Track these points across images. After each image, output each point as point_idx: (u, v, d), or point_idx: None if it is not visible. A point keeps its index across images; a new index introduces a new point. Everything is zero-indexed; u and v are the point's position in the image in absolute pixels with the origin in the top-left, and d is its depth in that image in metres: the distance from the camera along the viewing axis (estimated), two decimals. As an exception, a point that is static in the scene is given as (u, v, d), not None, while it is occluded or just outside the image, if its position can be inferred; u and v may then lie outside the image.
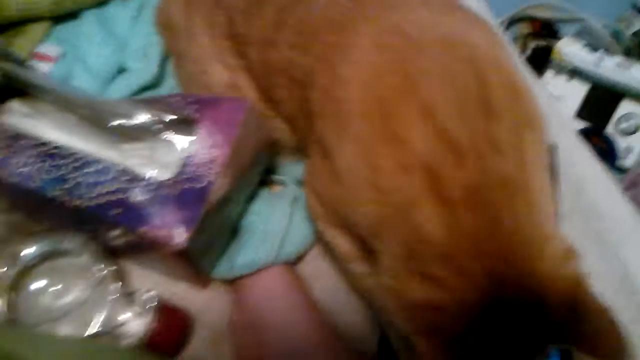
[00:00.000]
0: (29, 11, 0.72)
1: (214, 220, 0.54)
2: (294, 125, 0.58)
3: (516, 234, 0.39)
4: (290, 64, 0.53)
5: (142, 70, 0.73)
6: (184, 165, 0.53)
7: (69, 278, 0.57)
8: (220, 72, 0.61)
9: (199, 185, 0.52)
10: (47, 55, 0.73)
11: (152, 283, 0.62)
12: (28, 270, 0.56)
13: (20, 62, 0.60)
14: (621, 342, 0.38)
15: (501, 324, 0.38)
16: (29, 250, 0.56)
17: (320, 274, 0.63)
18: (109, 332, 0.55)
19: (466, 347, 0.38)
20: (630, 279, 0.59)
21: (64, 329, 0.55)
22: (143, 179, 0.52)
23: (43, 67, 0.71)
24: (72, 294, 0.56)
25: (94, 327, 0.55)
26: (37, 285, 0.56)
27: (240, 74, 0.61)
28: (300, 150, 0.61)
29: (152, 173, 0.54)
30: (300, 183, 0.66)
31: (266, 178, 0.66)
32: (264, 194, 0.64)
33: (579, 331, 0.39)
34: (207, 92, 0.63)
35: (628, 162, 0.99)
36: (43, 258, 0.57)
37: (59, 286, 0.56)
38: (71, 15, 0.77)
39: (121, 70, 0.75)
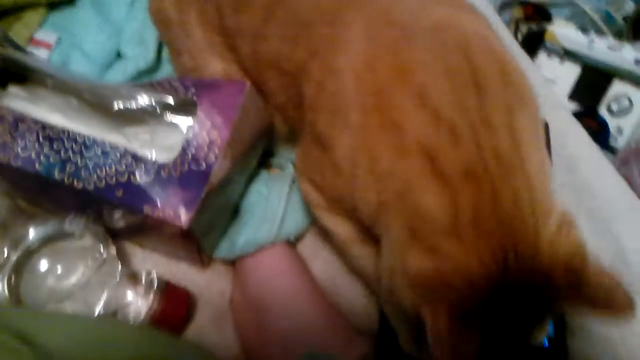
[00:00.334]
0: (26, -3, 0.72)
1: (215, 201, 0.55)
2: (285, 115, 0.59)
3: (516, 207, 0.40)
4: (280, 56, 0.54)
5: (139, 56, 0.73)
6: (185, 147, 0.53)
7: (72, 260, 0.57)
8: (215, 65, 0.62)
9: (200, 167, 0.53)
10: (44, 42, 0.73)
11: (154, 264, 0.63)
12: (31, 253, 0.56)
13: (19, 48, 0.60)
14: (629, 297, 0.39)
15: (506, 294, 0.39)
16: (32, 233, 0.57)
17: (319, 254, 0.64)
18: (113, 313, 0.56)
19: (472, 316, 0.39)
20: (623, 253, 0.60)
21: (68, 311, 0.55)
22: (145, 161, 0.53)
23: (40, 54, 0.72)
24: (75, 276, 0.57)
25: (97, 309, 0.55)
26: (40, 267, 0.57)
27: (233, 67, 0.61)
28: (292, 139, 0.62)
29: (154, 155, 0.55)
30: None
31: (265, 161, 0.67)
32: (263, 176, 0.65)
33: (586, 294, 0.40)
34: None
35: (619, 142, 1.00)
36: (46, 241, 0.57)
37: (62, 268, 0.57)
38: (67, 1, 0.77)
39: (118, 56, 0.75)
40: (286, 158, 0.68)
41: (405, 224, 0.42)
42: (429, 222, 0.40)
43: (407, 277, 0.41)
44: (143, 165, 0.53)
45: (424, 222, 0.41)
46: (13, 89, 0.61)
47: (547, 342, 0.53)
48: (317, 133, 0.49)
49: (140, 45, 0.74)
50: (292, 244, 0.64)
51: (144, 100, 0.56)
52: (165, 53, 0.75)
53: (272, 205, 0.61)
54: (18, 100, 0.58)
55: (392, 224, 0.43)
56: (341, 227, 0.53)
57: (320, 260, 0.64)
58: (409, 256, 0.41)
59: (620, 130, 1.01)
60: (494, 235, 0.39)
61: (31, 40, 0.73)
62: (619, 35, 1.11)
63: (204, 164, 0.53)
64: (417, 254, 0.40)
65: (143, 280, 0.57)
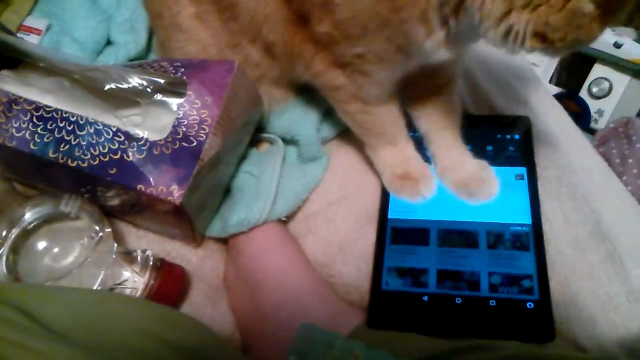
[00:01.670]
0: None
1: (207, 179, 0.57)
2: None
3: None
4: None
5: (130, 43, 0.74)
6: (176, 125, 0.55)
7: (68, 240, 0.59)
8: (187, 7, 0.64)
9: (191, 145, 0.54)
10: (35, 28, 0.74)
11: (148, 243, 0.64)
12: (28, 234, 0.58)
13: (10, 32, 0.61)
14: None
15: None
16: (28, 214, 0.58)
17: (311, 231, 0.66)
18: (110, 291, 0.57)
19: None
20: (601, 225, 0.62)
21: (65, 289, 0.57)
22: (137, 139, 0.54)
23: (31, 40, 0.73)
24: (72, 255, 0.58)
25: (95, 286, 0.56)
26: (37, 247, 0.58)
27: (204, 6, 0.63)
28: (281, 77, 0.65)
29: (146, 134, 0.56)
30: (287, 140, 0.69)
31: (254, 138, 0.68)
32: (254, 156, 0.67)
33: None
34: (179, 33, 0.65)
35: (600, 124, 1.03)
36: (42, 222, 0.58)
37: (59, 248, 0.58)
38: (56, -12, 0.78)
39: (108, 43, 0.76)
40: (277, 130, 0.69)
41: None
42: None
43: None
44: (135, 144, 0.54)
45: None
46: (6, 73, 0.61)
47: (532, 304, 0.55)
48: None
49: (131, 32, 0.75)
50: (283, 222, 0.65)
51: (134, 81, 0.57)
52: (154, 42, 0.76)
53: (264, 185, 0.63)
54: (12, 82, 0.59)
55: None
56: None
57: (311, 238, 0.65)
58: None
59: (600, 113, 1.04)
60: None
61: (21, 26, 0.74)
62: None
63: (195, 142, 0.55)
64: None
65: (139, 258, 0.59)
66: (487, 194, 0.63)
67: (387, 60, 0.53)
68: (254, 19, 0.59)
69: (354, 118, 0.62)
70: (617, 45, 1.00)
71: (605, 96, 1.04)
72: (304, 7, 0.54)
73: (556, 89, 1.07)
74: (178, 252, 0.64)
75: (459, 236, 0.61)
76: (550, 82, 1.07)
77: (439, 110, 0.64)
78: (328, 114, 0.70)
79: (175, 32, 0.65)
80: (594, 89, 1.05)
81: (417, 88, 0.63)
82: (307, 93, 0.69)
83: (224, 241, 0.65)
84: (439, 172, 0.66)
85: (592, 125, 1.04)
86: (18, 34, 0.73)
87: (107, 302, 0.50)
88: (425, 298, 0.57)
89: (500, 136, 0.68)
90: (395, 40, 0.50)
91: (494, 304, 0.55)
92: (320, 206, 0.67)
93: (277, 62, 0.63)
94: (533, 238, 0.59)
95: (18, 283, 0.55)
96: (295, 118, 0.69)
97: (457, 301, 0.56)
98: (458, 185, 0.64)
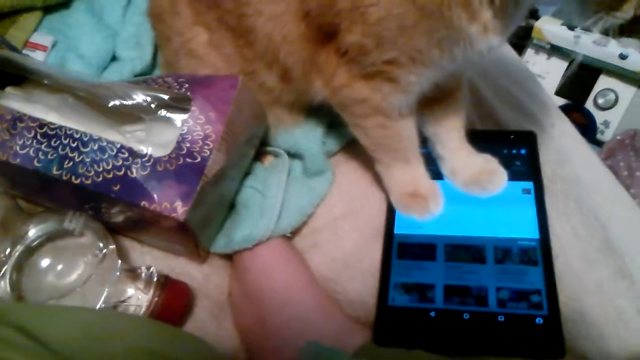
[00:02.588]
0: (22, 0, 0.73)
1: (211, 194, 0.56)
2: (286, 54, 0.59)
3: None
4: None
5: (136, 59, 0.75)
6: (180, 141, 0.55)
7: (72, 257, 0.58)
8: (200, 34, 0.64)
9: (195, 161, 0.54)
10: (40, 45, 0.74)
11: (152, 259, 0.64)
12: (32, 251, 0.57)
13: (16, 49, 0.61)
14: None
15: None
16: (32, 232, 0.58)
17: (317, 246, 0.65)
18: (114, 308, 0.57)
19: None
20: (610, 239, 0.62)
21: (69, 306, 0.56)
22: (141, 156, 0.54)
23: (36, 57, 0.73)
24: (76, 272, 0.58)
25: (98, 304, 0.56)
26: (41, 265, 0.58)
27: (219, 33, 0.63)
28: (295, 101, 0.64)
29: (149, 150, 0.56)
30: (292, 154, 0.68)
31: (259, 152, 0.68)
32: (259, 169, 0.66)
33: None
34: (191, 59, 0.65)
35: (606, 135, 1.02)
36: (46, 239, 0.58)
37: (63, 265, 0.58)
38: (62, 4, 0.78)
39: (114, 59, 0.76)
40: (281, 145, 0.69)
41: None
42: None
43: None
44: (139, 160, 0.54)
45: None
46: (10, 90, 0.62)
47: (541, 320, 0.54)
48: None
49: (136, 48, 0.76)
50: (288, 237, 0.65)
51: (139, 97, 0.57)
52: (159, 59, 0.77)
53: (269, 201, 0.62)
54: (16, 100, 0.59)
55: None
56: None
57: (317, 253, 0.65)
58: None
59: (607, 124, 1.03)
60: None
61: (27, 43, 0.74)
62: (605, 31, 1.13)
63: (199, 158, 0.54)
64: None
65: (143, 275, 0.58)
66: (498, 185, 0.64)
67: (421, 61, 0.51)
68: (272, 42, 0.58)
69: (370, 134, 0.61)
70: (623, 57, 1.00)
71: (611, 107, 1.03)
72: (325, 20, 0.53)
73: (562, 101, 1.07)
74: (183, 268, 0.64)
75: (466, 251, 0.60)
76: (556, 93, 1.07)
77: (446, 113, 0.65)
78: (331, 126, 0.70)
79: (187, 58, 0.65)
80: (600, 101, 1.04)
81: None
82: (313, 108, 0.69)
83: (228, 257, 0.64)
84: (449, 173, 0.66)
85: (598, 136, 1.03)
86: (24, 51, 0.74)
87: (109, 322, 0.50)
88: (433, 314, 0.56)
89: (507, 151, 0.68)
90: (437, 34, 0.48)
91: (503, 319, 0.55)
92: (326, 221, 0.67)
93: (293, 85, 0.62)
94: (541, 252, 0.59)
95: (20, 303, 0.54)
96: (300, 132, 0.68)
97: (464, 317, 0.55)
98: (468, 182, 0.65)
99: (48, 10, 0.78)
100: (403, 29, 0.49)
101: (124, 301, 0.57)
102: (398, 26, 0.49)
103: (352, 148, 0.71)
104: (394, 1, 0.47)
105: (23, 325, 0.44)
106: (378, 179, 0.66)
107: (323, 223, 0.67)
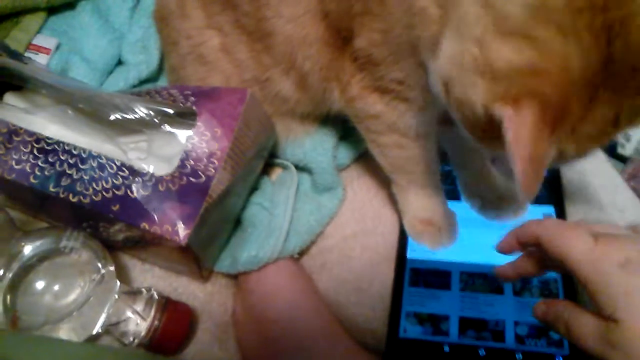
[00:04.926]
0: (25, 0, 0.70)
1: (215, 214, 0.54)
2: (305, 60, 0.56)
3: None
4: None
5: (142, 63, 0.71)
6: (184, 159, 0.52)
7: (70, 277, 0.55)
8: (212, 38, 0.60)
9: (199, 180, 0.51)
10: (44, 47, 0.71)
11: (153, 277, 0.61)
12: (27, 271, 0.55)
13: (17, 56, 0.59)
14: None
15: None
16: (28, 250, 0.55)
17: (326, 267, 0.62)
18: (113, 332, 0.55)
19: (564, 117, 0.33)
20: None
21: (67, 330, 0.54)
22: (142, 174, 0.51)
23: (40, 59, 0.70)
24: (73, 293, 0.55)
25: (96, 327, 0.54)
26: (37, 286, 0.55)
27: (233, 37, 0.59)
28: (310, 113, 0.61)
29: (151, 168, 0.53)
30: (300, 168, 0.66)
31: (266, 165, 0.65)
32: (267, 185, 0.63)
33: None
34: (200, 64, 0.62)
35: (627, 149, 0.98)
36: (42, 257, 0.55)
37: (60, 286, 0.55)
38: (67, 5, 0.76)
39: (119, 63, 0.74)
40: (290, 157, 0.66)
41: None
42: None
43: (489, 78, 0.34)
44: (140, 179, 0.51)
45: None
46: (10, 98, 0.59)
47: (561, 359, 0.51)
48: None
49: (142, 52, 0.73)
50: (296, 258, 0.62)
51: (141, 111, 0.54)
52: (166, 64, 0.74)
53: (277, 220, 0.60)
54: (14, 111, 0.57)
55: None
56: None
57: (326, 274, 0.62)
58: (494, 48, 0.34)
59: (627, 138, 0.98)
60: (599, 16, 0.32)
61: (30, 45, 0.72)
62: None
63: (203, 177, 0.52)
64: (504, 46, 0.34)
65: (143, 298, 0.56)
66: (519, 211, 0.61)
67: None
68: (290, 45, 0.54)
69: (386, 153, 0.58)
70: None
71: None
72: (343, 23, 0.50)
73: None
74: (185, 288, 0.61)
75: (483, 280, 0.57)
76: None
77: None
78: (343, 138, 0.67)
79: (195, 63, 0.62)
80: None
81: None
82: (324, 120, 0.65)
83: (233, 276, 0.62)
84: (467, 195, 0.63)
85: (619, 150, 0.98)
86: (26, 53, 0.71)
87: (92, 356, 0.47)
88: (447, 348, 0.53)
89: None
90: None
91: (521, 357, 0.52)
92: (336, 240, 0.64)
93: (309, 94, 0.59)
94: (562, 285, 0.55)
95: (7, 334, 0.52)
96: (309, 145, 0.65)
97: (480, 353, 0.52)
98: (486, 205, 0.62)
99: (52, 11, 0.75)
100: (399, 53, 0.46)
101: (122, 325, 0.55)
102: (395, 49, 0.46)
103: (365, 162, 0.67)
104: (393, 20, 0.44)
105: (5, 356, 0.42)
106: (392, 198, 0.63)
107: (333, 242, 0.64)
